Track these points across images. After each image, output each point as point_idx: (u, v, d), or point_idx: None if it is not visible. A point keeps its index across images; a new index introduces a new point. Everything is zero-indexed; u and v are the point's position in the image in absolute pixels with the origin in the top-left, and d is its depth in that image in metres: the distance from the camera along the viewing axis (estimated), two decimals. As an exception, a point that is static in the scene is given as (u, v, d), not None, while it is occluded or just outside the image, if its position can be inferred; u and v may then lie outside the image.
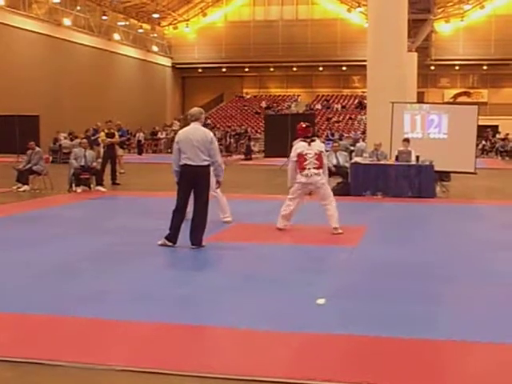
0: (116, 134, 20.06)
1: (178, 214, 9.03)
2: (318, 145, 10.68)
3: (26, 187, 17.32)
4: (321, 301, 6.34)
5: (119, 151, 21.68)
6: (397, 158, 16.50)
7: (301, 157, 10.46)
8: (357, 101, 55.98)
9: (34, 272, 7.72)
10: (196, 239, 8.99)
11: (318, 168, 10.41)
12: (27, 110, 30.29)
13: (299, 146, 10.58)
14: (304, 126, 10.82)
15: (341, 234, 10.37)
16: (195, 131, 9.01)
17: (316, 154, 10.42)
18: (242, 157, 38.14)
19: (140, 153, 41.41)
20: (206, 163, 8.92)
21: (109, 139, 19.35)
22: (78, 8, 45.75)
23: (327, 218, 10.54)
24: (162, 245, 9.08)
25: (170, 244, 9.04)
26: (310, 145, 10.52)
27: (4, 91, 35.51)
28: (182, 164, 8.91)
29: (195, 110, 9.27)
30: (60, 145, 32.14)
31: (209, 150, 8.92)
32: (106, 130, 19.79)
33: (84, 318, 5.76)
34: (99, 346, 5.09)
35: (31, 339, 5.23)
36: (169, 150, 38.28)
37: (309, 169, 10.39)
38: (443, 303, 6.47)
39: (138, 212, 13.11)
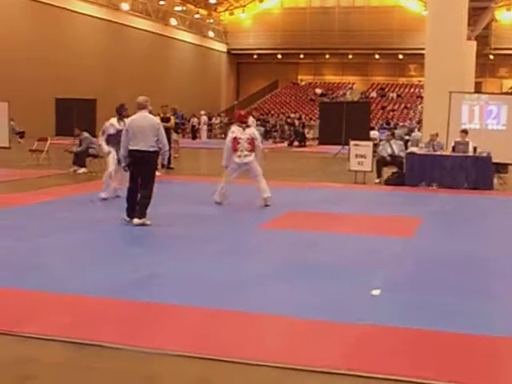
0: (172, 118, 20.13)
1: (131, 193, 9.75)
2: (251, 131, 12.20)
3: (83, 169, 17.64)
4: (376, 292, 6.29)
5: (174, 136, 21.76)
6: (453, 149, 16.22)
7: (235, 141, 11.90)
8: (417, 90, 54.80)
9: (89, 254, 7.88)
10: (137, 213, 9.52)
11: (250, 151, 11.91)
12: (83, 95, 30.65)
13: (234, 131, 12.07)
14: (243, 113, 13.13)
15: (268, 206, 11.74)
16: (143, 118, 9.71)
17: (248, 138, 11.91)
18: (286, 144, 38.20)
19: (194, 138, 41.67)
20: (152, 149, 9.60)
21: (164, 123, 19.41)
22: (136, -8, 46.21)
23: (259, 190, 11.92)
24: (123, 219, 9.68)
25: (128, 219, 9.64)
26: (244, 130, 12.00)
27: (62, 76, 36.08)
28: (130, 149, 9.59)
29: (141, 98, 9.88)
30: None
31: (157, 135, 9.62)
32: (162, 115, 19.87)
33: (138, 301, 5.82)
34: (154, 330, 5.13)
35: (91, 322, 5.32)
36: (223, 136, 38.44)
37: (241, 151, 11.86)
38: (498, 298, 6.34)
39: (191, 197, 13.17)
